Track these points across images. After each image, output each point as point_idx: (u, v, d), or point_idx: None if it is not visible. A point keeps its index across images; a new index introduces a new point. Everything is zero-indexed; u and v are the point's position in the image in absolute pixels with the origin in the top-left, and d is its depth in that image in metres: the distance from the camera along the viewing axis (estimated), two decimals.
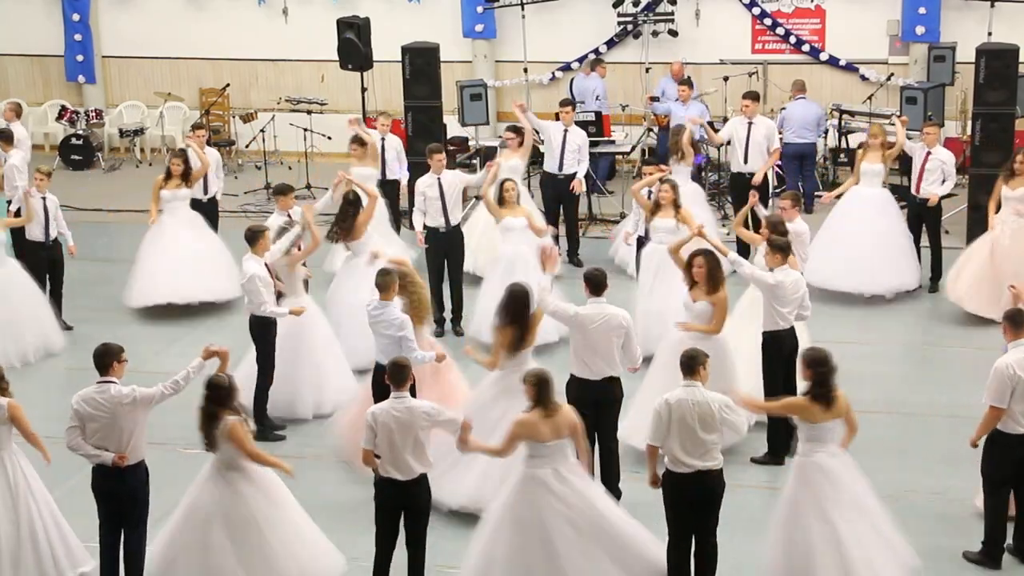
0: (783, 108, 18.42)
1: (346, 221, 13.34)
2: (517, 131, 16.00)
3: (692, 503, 8.97)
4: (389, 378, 9.08)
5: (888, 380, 13.10)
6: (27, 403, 9.82)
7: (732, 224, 13.04)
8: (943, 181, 15.01)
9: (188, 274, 15.06)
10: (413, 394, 9.38)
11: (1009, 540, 9.77)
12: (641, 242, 13.96)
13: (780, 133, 17.16)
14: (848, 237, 14.80)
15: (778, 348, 11.09)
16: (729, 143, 16.68)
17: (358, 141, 15.94)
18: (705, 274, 10.99)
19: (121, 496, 9.13)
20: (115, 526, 9.23)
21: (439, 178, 14.33)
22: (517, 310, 10.35)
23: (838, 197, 15.43)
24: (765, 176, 16.32)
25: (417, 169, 15.83)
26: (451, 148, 18.58)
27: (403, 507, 9.07)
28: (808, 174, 18.14)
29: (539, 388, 8.96)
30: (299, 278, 12.43)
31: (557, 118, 16.57)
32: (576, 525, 8.88)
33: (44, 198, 14.54)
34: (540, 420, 8.92)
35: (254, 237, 12.04)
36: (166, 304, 15.04)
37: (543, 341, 12.38)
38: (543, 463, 8.94)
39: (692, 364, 9.00)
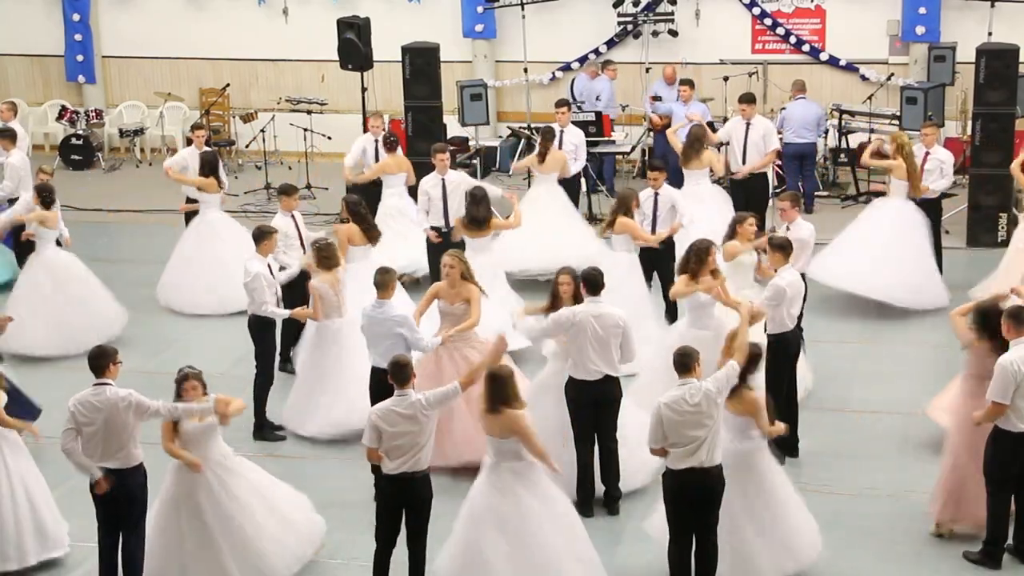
0: (783, 108, 18.42)
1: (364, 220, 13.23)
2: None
3: (692, 501, 8.96)
4: (392, 377, 9.05)
5: (889, 380, 13.09)
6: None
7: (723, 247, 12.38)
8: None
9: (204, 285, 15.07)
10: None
11: (1009, 540, 9.76)
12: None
13: (780, 133, 17.15)
14: (863, 241, 14.61)
15: (786, 350, 11.07)
16: (727, 144, 16.65)
17: (389, 145, 15.75)
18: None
19: (119, 498, 9.12)
20: (113, 528, 9.23)
21: (443, 178, 14.29)
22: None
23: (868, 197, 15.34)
24: (765, 176, 16.30)
25: (417, 169, 15.82)
26: (451, 148, 18.56)
27: (404, 504, 9.07)
28: (808, 174, 18.13)
29: (486, 384, 9.05)
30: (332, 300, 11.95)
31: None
32: (518, 515, 8.96)
33: None
34: (485, 414, 9.02)
35: (260, 237, 12.05)
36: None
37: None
38: (497, 457, 9.04)
39: (687, 362, 9.00)
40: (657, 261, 13.55)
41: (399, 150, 15.87)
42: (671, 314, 13.23)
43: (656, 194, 13.75)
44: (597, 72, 19.78)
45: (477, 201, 13.30)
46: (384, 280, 10.75)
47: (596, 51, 20.65)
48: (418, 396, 9.02)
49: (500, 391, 8.97)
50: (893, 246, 14.42)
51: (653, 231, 13.66)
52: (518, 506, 8.99)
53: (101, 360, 9.18)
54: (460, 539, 9.16)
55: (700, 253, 11.31)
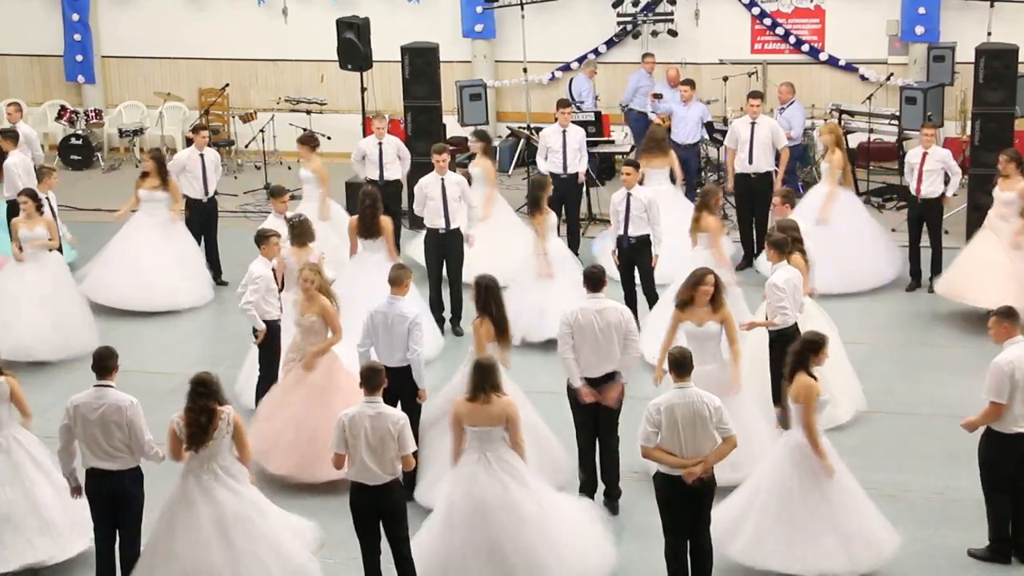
0: (782, 109, 18.38)
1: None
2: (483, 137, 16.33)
3: (684, 501, 8.95)
4: (363, 382, 9.00)
5: (887, 379, 13.09)
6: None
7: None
8: (946, 180, 15.05)
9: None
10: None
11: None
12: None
13: (790, 137, 17.01)
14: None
15: (786, 346, 11.02)
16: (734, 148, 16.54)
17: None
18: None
19: (115, 499, 9.12)
20: (110, 528, 9.23)
21: (443, 179, 14.26)
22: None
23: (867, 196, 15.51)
24: (770, 176, 16.13)
25: (417, 169, 15.83)
26: (451, 149, 18.54)
27: (378, 513, 9.00)
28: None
29: (474, 373, 9.16)
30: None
31: (556, 120, 16.51)
32: (509, 503, 9.06)
33: (48, 198, 14.49)
34: (470, 403, 9.14)
35: (261, 239, 12.04)
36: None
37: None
38: (483, 446, 9.14)
39: (686, 364, 8.99)
40: (635, 255, 13.69)
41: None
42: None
43: (628, 194, 13.63)
44: (595, 71, 19.83)
45: (367, 202, 13.40)
46: (399, 276, 10.74)
47: (596, 51, 20.67)
48: (392, 412, 8.97)
49: (489, 378, 9.04)
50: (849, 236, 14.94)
51: (625, 230, 13.66)
52: (509, 494, 9.02)
53: (109, 360, 9.14)
54: (445, 533, 9.12)
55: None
